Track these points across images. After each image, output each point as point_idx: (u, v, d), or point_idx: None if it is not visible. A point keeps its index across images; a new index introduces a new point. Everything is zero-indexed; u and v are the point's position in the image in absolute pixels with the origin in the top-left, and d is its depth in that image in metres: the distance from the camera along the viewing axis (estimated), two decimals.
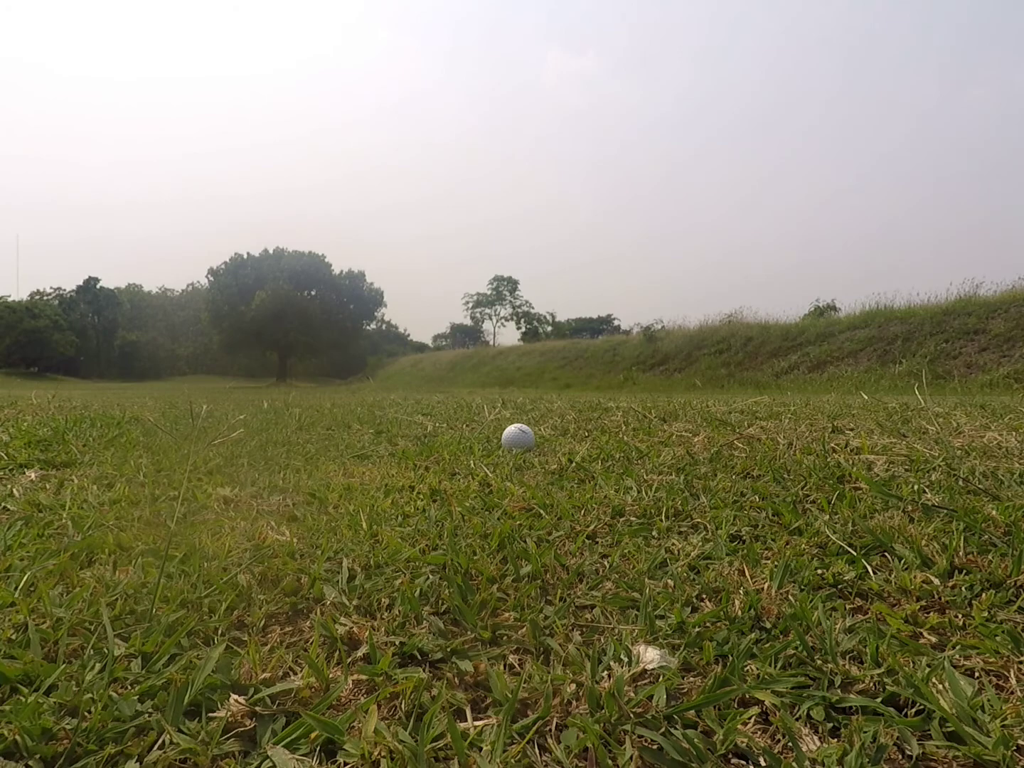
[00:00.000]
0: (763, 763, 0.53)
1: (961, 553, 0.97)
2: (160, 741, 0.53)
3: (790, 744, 0.54)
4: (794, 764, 0.52)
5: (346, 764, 0.52)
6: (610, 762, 0.52)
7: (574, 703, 0.60)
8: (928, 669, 0.64)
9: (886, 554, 0.99)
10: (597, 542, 1.10)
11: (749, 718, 0.58)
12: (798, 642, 0.69)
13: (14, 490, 1.38)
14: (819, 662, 0.66)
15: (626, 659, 0.67)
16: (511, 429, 2.09)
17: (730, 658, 0.67)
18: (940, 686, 0.61)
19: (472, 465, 1.78)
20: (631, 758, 0.52)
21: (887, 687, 0.62)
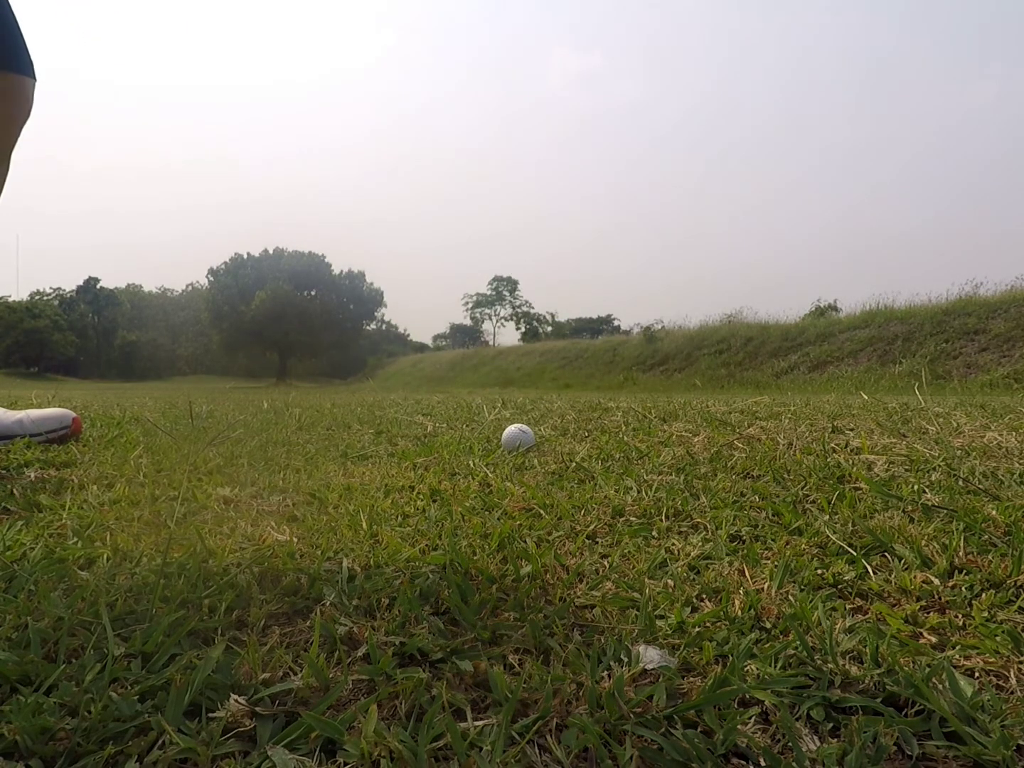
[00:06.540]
0: (763, 763, 0.53)
1: (961, 553, 0.97)
2: (160, 741, 0.53)
3: (790, 744, 0.54)
4: (794, 764, 0.52)
5: (346, 764, 0.52)
6: (610, 762, 0.52)
7: (574, 703, 0.60)
8: (928, 669, 0.64)
9: (886, 554, 0.99)
10: (597, 542, 1.10)
11: (749, 718, 0.58)
12: (798, 642, 0.69)
13: (14, 490, 1.38)
14: (819, 662, 0.66)
15: (626, 659, 0.67)
16: (511, 429, 2.09)
17: (730, 658, 0.67)
18: (940, 686, 0.61)
19: (472, 465, 1.77)
20: (631, 758, 0.52)
21: (887, 687, 0.62)
